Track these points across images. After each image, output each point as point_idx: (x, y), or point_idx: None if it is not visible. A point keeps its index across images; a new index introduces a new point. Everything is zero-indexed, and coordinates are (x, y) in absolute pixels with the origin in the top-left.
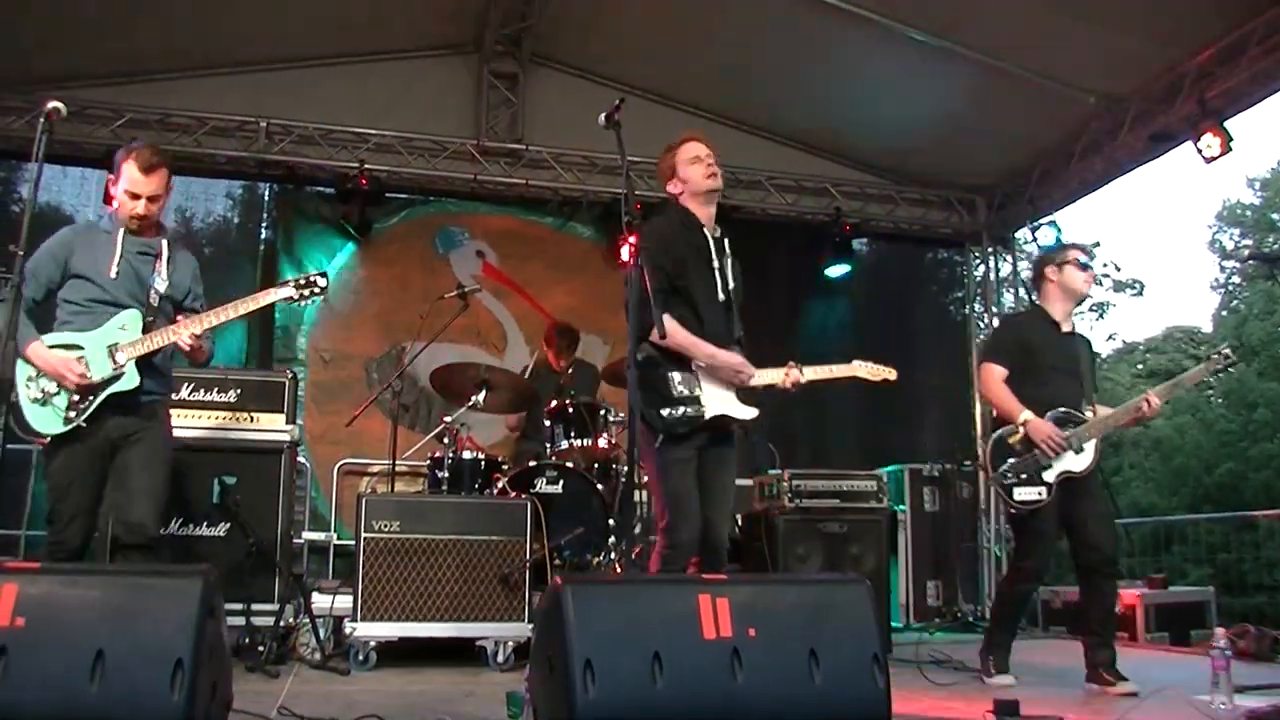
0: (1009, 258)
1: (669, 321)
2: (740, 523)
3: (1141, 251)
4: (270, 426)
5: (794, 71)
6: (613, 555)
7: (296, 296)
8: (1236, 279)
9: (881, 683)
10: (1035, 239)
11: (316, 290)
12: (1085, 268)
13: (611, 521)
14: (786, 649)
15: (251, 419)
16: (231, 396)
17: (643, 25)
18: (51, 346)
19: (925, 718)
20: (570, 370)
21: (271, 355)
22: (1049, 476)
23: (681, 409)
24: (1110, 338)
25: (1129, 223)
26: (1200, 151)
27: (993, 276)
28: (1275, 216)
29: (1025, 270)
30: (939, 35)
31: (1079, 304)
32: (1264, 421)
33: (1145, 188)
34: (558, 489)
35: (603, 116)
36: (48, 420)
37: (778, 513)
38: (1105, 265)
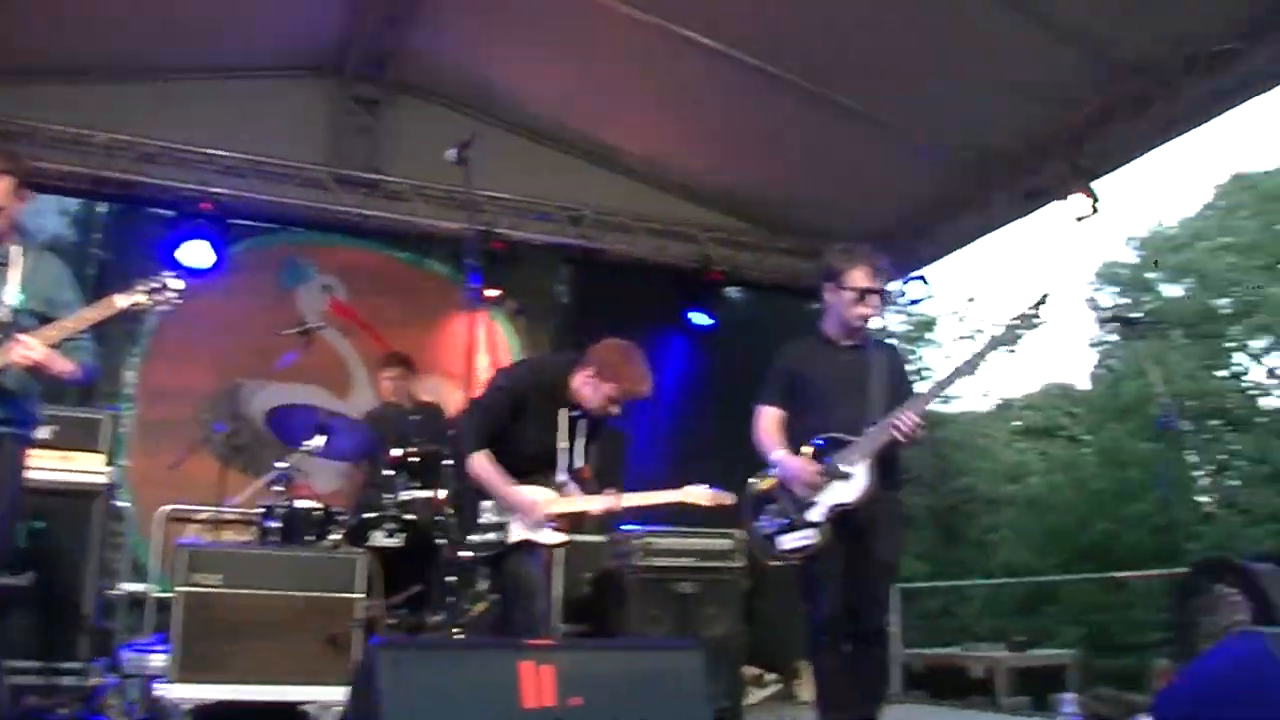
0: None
1: (478, 457)
2: (591, 581)
3: (1019, 307)
4: (86, 467)
5: (666, 114)
6: (453, 615)
7: (149, 303)
8: (1114, 337)
9: None
10: (903, 293)
11: (170, 296)
12: (864, 297)
13: (454, 579)
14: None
15: (66, 459)
16: (46, 434)
17: (512, 56)
18: None
19: None
20: (416, 415)
21: (94, 390)
22: (816, 515)
23: (486, 535)
24: (985, 394)
25: (1007, 278)
26: (1070, 211)
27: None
28: (1150, 276)
29: (903, 324)
30: (814, 82)
31: (853, 333)
32: (1137, 481)
33: (1026, 243)
34: (397, 542)
35: (452, 151)
36: None
37: (628, 572)
38: (979, 321)
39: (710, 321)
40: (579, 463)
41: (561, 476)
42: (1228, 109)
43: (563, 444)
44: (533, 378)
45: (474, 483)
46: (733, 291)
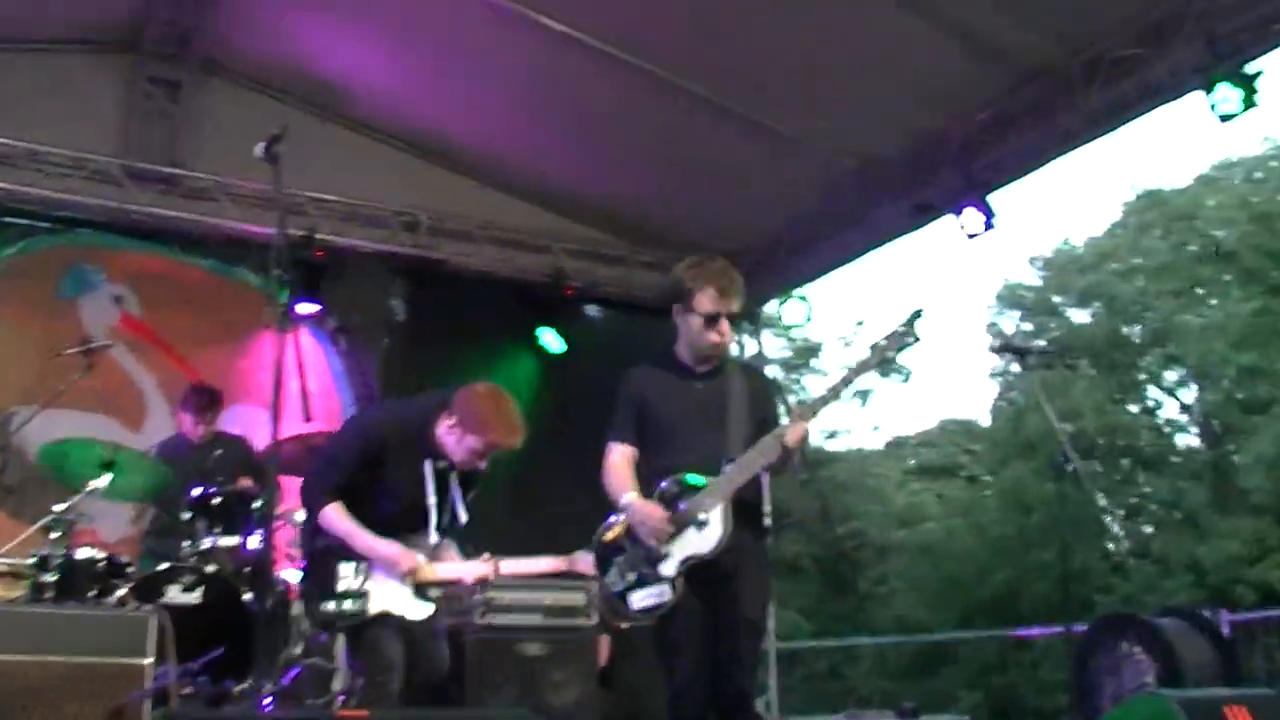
0: (755, 336)
1: (330, 511)
2: None
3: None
4: None
5: (516, 110)
6: (260, 682)
7: None
8: (1016, 367)
9: None
10: (782, 315)
11: None
12: (712, 322)
13: (261, 641)
14: None
15: None
16: None
17: (340, 37)
18: None
19: None
20: (218, 450)
21: None
22: (668, 569)
23: (344, 604)
24: (876, 430)
25: (897, 300)
26: (962, 227)
27: (736, 354)
28: (1057, 300)
29: (781, 349)
30: (684, 78)
31: (707, 358)
32: (1041, 526)
33: (918, 262)
34: (195, 598)
35: (260, 147)
36: None
37: (467, 631)
38: (870, 350)
39: (564, 344)
40: (462, 519)
41: (434, 537)
42: (1130, 119)
43: (431, 499)
44: (391, 425)
45: (327, 542)
46: (591, 310)
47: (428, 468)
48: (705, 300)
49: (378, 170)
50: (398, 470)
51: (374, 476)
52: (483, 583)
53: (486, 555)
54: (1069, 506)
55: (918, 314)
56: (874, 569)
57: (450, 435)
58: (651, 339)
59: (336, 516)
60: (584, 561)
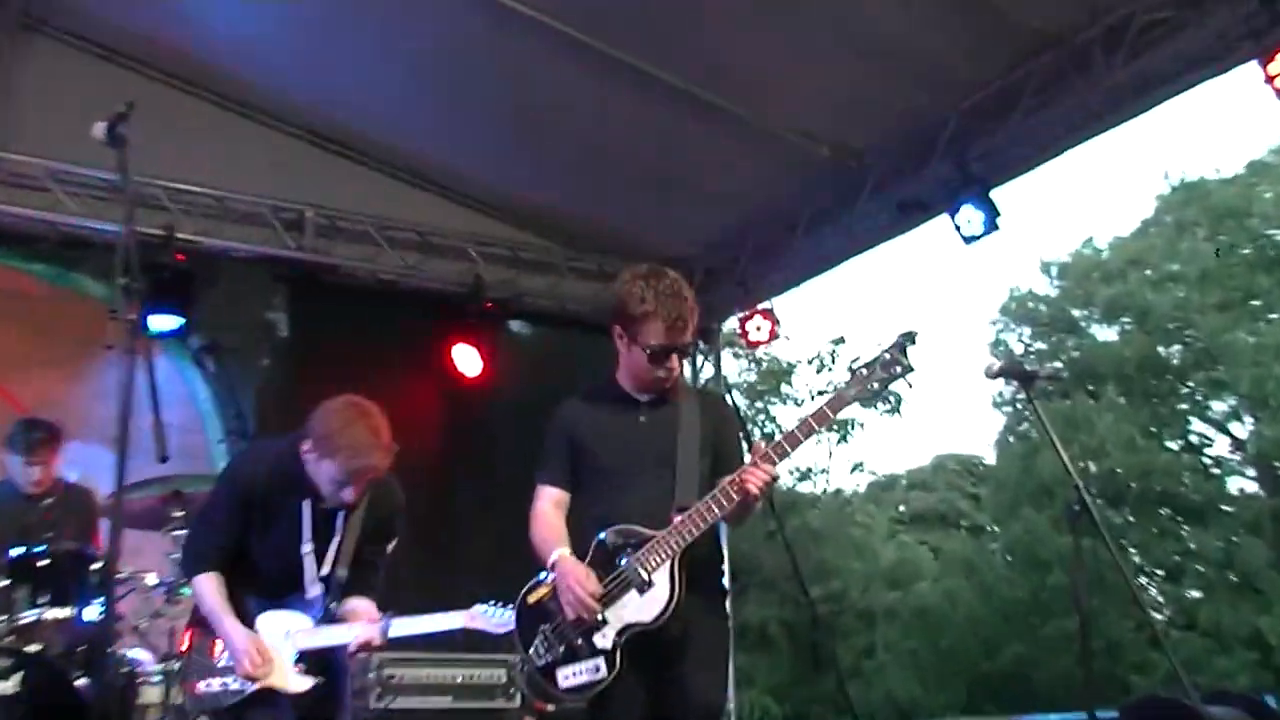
0: (713, 357)
1: (199, 583)
2: None
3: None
4: None
5: (426, 87)
6: None
7: None
8: (1023, 395)
9: None
10: (746, 333)
11: None
12: (660, 358)
13: None
14: None
15: None
16: None
17: None
18: None
19: None
20: (49, 500)
21: None
22: (604, 640)
23: (222, 682)
24: (857, 468)
25: (883, 316)
26: (958, 228)
27: (688, 378)
28: (1076, 313)
29: (744, 372)
30: (629, 52)
31: (653, 386)
32: (1060, 587)
33: (907, 270)
34: (10, 687)
35: (101, 126)
36: None
37: (360, 715)
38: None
39: (481, 365)
40: (340, 571)
41: (312, 592)
42: (1164, 97)
43: (306, 547)
44: (261, 465)
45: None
46: (516, 326)
47: (305, 510)
48: (651, 333)
49: (254, 157)
50: (277, 520)
51: (253, 529)
52: (367, 648)
53: (378, 615)
54: (1094, 565)
55: (909, 338)
56: (858, 639)
57: (310, 466)
58: (587, 360)
59: (205, 591)
60: (484, 617)
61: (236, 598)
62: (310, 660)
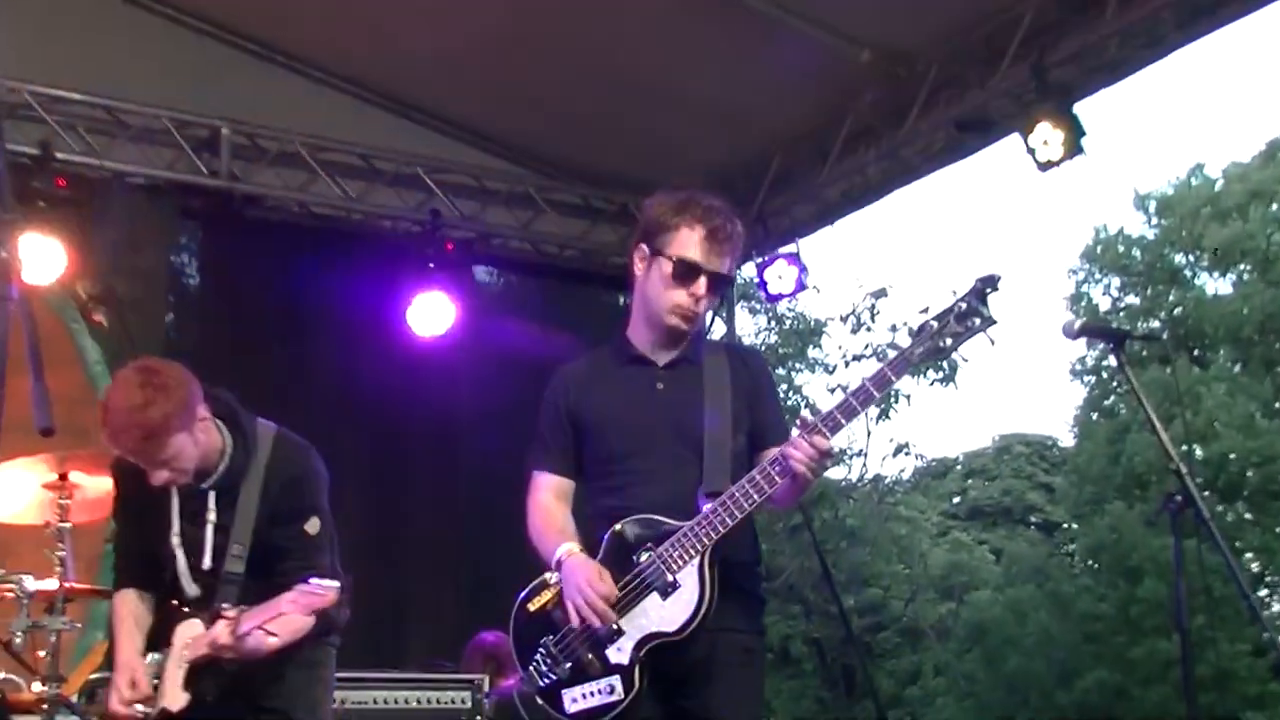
0: (724, 312)
1: (115, 600)
2: None
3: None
4: None
5: None
6: None
7: None
8: (1110, 361)
9: None
10: (764, 282)
11: None
12: (686, 277)
13: None
14: None
15: None
16: None
17: None
18: None
19: None
20: None
21: None
22: (620, 654)
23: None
24: (901, 451)
25: (932, 264)
26: (1031, 151)
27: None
28: (1179, 260)
29: (763, 331)
30: None
31: (673, 338)
32: (1155, 600)
33: (965, 206)
34: None
35: None
36: None
37: None
38: (891, 331)
39: (444, 322)
40: (235, 565)
41: (191, 591)
42: None
43: (174, 539)
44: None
45: None
46: (482, 272)
47: (173, 494)
48: (687, 241)
49: (154, 58)
50: (148, 509)
51: (128, 524)
52: (218, 648)
53: (227, 609)
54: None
55: (991, 283)
56: (901, 660)
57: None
58: (578, 314)
59: (114, 607)
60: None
61: (164, 609)
62: (210, 674)
